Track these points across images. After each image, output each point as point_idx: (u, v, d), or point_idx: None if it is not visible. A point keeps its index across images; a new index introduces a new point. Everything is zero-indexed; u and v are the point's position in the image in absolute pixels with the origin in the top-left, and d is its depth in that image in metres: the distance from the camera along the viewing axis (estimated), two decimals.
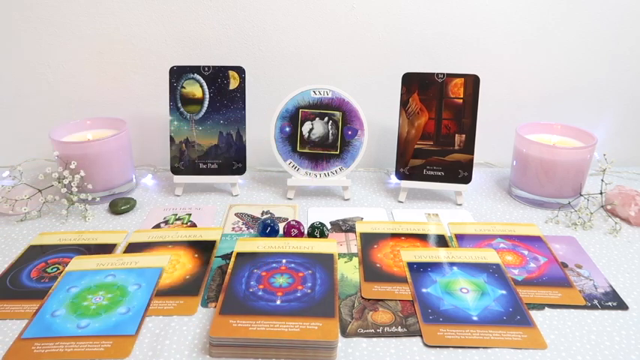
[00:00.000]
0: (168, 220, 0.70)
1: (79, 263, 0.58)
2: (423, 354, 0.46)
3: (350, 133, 0.74)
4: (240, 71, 0.75)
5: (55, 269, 0.58)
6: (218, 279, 0.56)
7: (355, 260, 0.60)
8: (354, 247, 0.63)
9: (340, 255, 0.61)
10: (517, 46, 0.83)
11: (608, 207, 0.72)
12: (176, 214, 0.71)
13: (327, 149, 0.75)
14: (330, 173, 0.76)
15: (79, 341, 0.47)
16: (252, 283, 0.53)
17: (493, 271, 0.57)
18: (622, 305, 0.53)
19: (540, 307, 0.52)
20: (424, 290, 0.54)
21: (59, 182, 0.69)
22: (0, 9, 0.78)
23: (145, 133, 0.86)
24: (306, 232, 0.65)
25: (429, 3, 0.79)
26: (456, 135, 0.73)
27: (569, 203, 0.72)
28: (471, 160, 0.73)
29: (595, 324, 0.50)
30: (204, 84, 0.75)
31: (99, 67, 0.82)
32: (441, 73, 0.73)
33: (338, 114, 0.74)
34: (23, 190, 0.71)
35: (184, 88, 0.75)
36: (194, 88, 0.75)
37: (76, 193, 0.70)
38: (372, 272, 0.57)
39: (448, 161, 0.74)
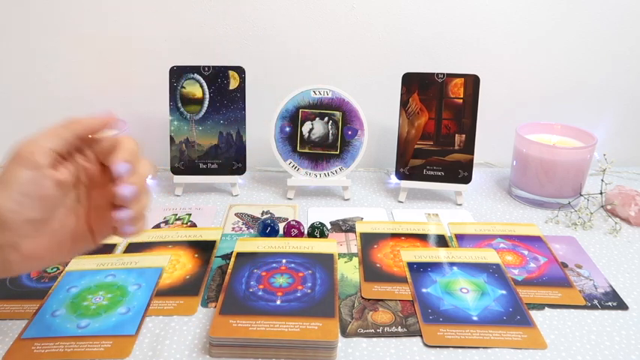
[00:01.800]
0: (168, 220, 0.70)
1: (78, 263, 0.58)
2: (423, 354, 0.46)
3: (350, 133, 0.74)
4: (240, 71, 0.75)
5: (55, 269, 0.58)
6: (218, 279, 0.56)
7: (355, 260, 0.60)
8: (354, 247, 0.63)
9: (340, 255, 0.61)
10: (517, 46, 0.83)
11: (608, 207, 0.72)
12: (176, 214, 0.71)
13: (327, 149, 0.75)
14: (330, 173, 0.76)
15: (79, 341, 0.46)
16: (252, 283, 0.53)
17: (493, 271, 0.57)
18: (622, 305, 0.53)
19: (540, 307, 0.52)
20: (424, 290, 0.54)
21: None
22: (0, 9, 0.78)
23: (145, 133, 0.86)
24: (306, 232, 0.65)
25: (429, 3, 0.79)
26: (456, 135, 0.73)
27: (569, 203, 0.72)
28: (471, 160, 0.73)
29: (595, 324, 0.50)
30: (204, 84, 0.75)
31: (99, 67, 0.82)
32: (441, 73, 0.73)
33: (338, 114, 0.74)
34: None
35: (184, 88, 0.75)
36: (194, 88, 0.75)
37: None
38: (372, 272, 0.57)
39: (448, 161, 0.74)
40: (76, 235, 0.42)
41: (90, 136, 0.41)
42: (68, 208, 0.41)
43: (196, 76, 0.75)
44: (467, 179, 0.74)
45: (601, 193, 0.73)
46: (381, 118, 0.84)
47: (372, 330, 0.49)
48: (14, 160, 0.37)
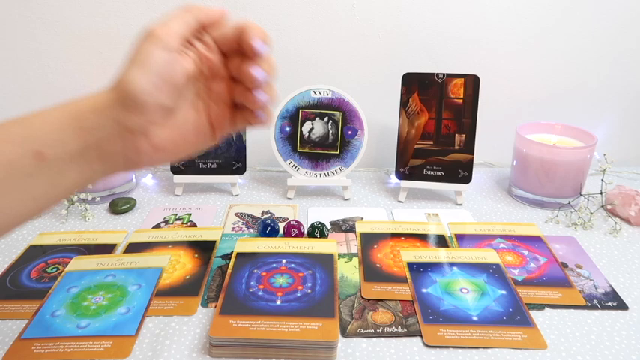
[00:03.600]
0: (168, 220, 0.70)
1: (79, 263, 0.58)
2: (423, 354, 0.46)
3: (350, 133, 0.74)
4: None
5: (55, 269, 0.58)
6: (218, 279, 0.56)
7: (355, 260, 0.60)
8: (354, 247, 0.63)
9: (340, 255, 0.61)
10: (517, 46, 0.83)
11: (608, 207, 0.72)
12: (176, 214, 0.71)
13: (327, 149, 0.75)
14: (330, 173, 0.76)
15: (79, 341, 0.47)
16: (252, 283, 0.53)
17: (493, 271, 0.57)
18: (622, 305, 0.53)
19: (540, 307, 0.52)
20: (424, 290, 0.54)
21: None
22: (0, 9, 0.78)
23: None
24: (306, 232, 0.65)
25: (429, 3, 0.79)
26: (456, 135, 0.73)
27: (569, 203, 0.72)
28: (471, 160, 0.73)
29: (595, 324, 0.50)
30: None
31: (99, 67, 0.82)
32: (441, 73, 0.73)
33: (338, 114, 0.74)
34: None
35: None
36: None
37: (76, 193, 0.70)
38: (372, 272, 0.57)
39: (448, 161, 0.74)
40: (197, 130, 0.40)
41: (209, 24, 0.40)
42: (189, 101, 0.39)
43: None
44: (467, 179, 0.74)
45: (601, 193, 0.73)
46: (381, 118, 0.84)
47: (372, 330, 0.49)
48: (149, 41, 0.36)
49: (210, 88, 0.41)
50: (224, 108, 0.41)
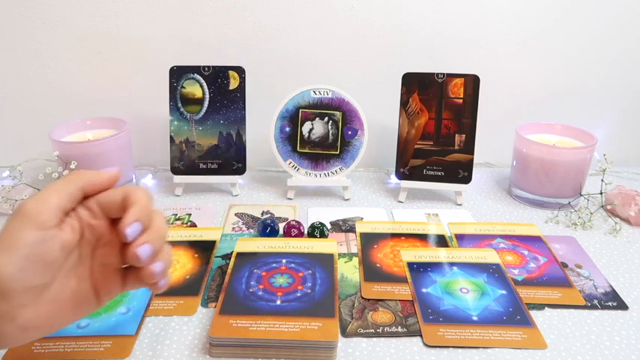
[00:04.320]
0: (168, 220, 0.70)
1: None
2: (423, 354, 0.46)
3: (350, 133, 0.74)
4: (240, 71, 0.75)
5: None
6: (218, 279, 0.56)
7: (355, 260, 0.60)
8: (354, 247, 0.63)
9: (340, 255, 0.61)
10: (517, 46, 0.83)
11: (608, 207, 0.72)
12: (176, 214, 0.71)
13: (327, 149, 0.75)
14: (330, 173, 0.76)
15: (79, 341, 0.46)
16: (252, 283, 0.53)
17: (493, 271, 0.57)
18: (622, 305, 0.53)
19: (540, 307, 0.52)
20: (424, 290, 0.54)
21: None
22: (0, 9, 0.78)
23: (145, 133, 0.86)
24: (306, 232, 0.65)
25: (429, 3, 0.79)
26: (456, 135, 0.73)
27: (569, 203, 0.72)
28: (471, 160, 0.73)
29: (595, 324, 0.50)
30: (204, 84, 0.75)
31: (99, 67, 0.82)
32: (441, 73, 0.73)
33: (338, 114, 0.74)
34: (23, 190, 0.71)
35: (184, 88, 0.75)
36: (194, 88, 0.75)
37: None
38: (372, 272, 0.57)
39: (448, 161, 0.74)
40: (77, 298, 0.37)
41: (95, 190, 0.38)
42: (68, 270, 0.37)
43: (196, 76, 0.75)
44: (467, 179, 0.74)
45: (601, 193, 0.73)
46: (381, 118, 0.84)
47: (372, 330, 0.49)
48: (19, 220, 0.33)
49: (95, 252, 0.38)
50: (112, 271, 0.39)
